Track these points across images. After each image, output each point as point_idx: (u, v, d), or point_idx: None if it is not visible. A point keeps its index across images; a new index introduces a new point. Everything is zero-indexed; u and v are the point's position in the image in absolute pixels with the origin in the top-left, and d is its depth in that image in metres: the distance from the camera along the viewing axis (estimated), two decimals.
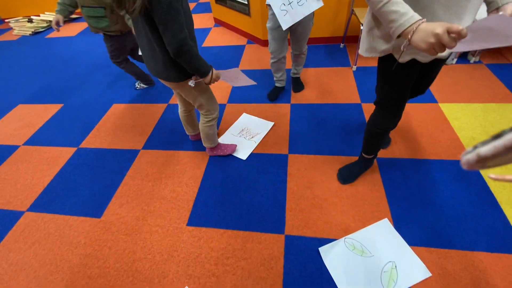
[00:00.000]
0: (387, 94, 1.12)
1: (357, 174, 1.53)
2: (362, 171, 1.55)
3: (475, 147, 0.31)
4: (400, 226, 1.32)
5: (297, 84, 2.26)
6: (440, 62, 1.08)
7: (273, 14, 1.68)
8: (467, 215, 1.33)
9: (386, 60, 1.00)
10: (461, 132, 1.73)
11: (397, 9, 0.72)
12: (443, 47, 0.65)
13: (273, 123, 1.96)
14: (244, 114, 2.09)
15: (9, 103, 2.62)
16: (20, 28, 4.26)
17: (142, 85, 2.55)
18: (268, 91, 2.29)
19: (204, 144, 1.71)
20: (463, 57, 2.38)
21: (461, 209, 1.36)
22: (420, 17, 0.71)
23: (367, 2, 0.79)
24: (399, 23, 0.71)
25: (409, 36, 0.70)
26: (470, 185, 1.45)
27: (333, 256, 1.24)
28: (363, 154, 1.48)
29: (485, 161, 0.30)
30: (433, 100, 2.00)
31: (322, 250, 1.26)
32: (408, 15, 0.70)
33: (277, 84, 2.21)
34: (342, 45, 2.79)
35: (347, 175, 1.53)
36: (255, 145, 1.82)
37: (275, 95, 2.19)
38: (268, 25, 1.77)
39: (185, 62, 1.11)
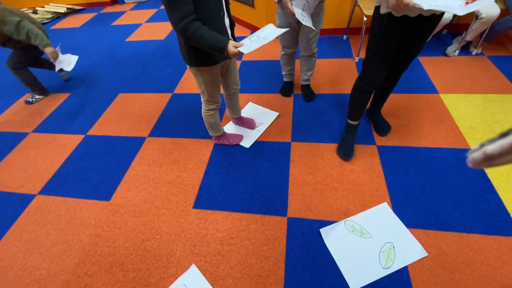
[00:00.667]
0: (375, 47, 1.25)
1: (353, 144, 1.66)
2: (354, 139, 1.67)
3: (482, 145, 0.31)
4: (398, 209, 1.37)
5: (309, 93, 2.08)
6: (430, 21, 1.17)
7: (282, 12, 1.62)
8: (464, 200, 1.38)
9: (376, 15, 1.17)
10: (461, 122, 1.77)
11: None
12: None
13: (277, 113, 2.00)
14: (250, 103, 2.13)
15: (18, 92, 2.67)
16: None
17: (36, 96, 2.49)
18: (272, 82, 2.32)
19: (209, 133, 1.76)
20: (465, 49, 2.40)
21: (458, 194, 1.40)
22: None
23: None
24: None
25: None
26: (467, 171, 1.49)
27: (333, 237, 1.29)
28: (348, 121, 1.63)
29: (492, 159, 0.30)
30: (434, 90, 2.03)
31: (323, 231, 1.31)
32: None
33: (286, 79, 2.14)
34: (345, 36, 2.80)
35: (346, 150, 1.63)
36: (259, 134, 1.86)
37: (288, 90, 2.13)
38: (277, 22, 1.70)
39: (196, 44, 1.12)
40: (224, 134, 1.80)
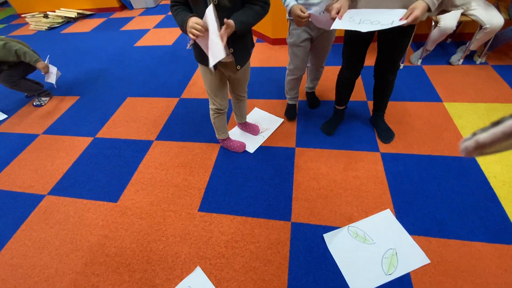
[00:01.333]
0: (345, 50, 1.53)
1: (336, 125, 1.89)
2: (339, 122, 1.91)
3: (474, 134, 0.32)
4: (401, 216, 1.38)
5: (314, 100, 2.10)
6: (396, 34, 1.33)
7: (296, 28, 1.52)
8: (467, 208, 1.39)
9: None
10: (464, 130, 1.78)
11: None
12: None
13: (282, 119, 2.03)
14: (255, 108, 2.17)
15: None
16: (36, 23, 4.40)
17: (42, 98, 2.57)
18: (277, 88, 2.36)
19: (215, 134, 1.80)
20: (469, 58, 2.42)
21: (461, 202, 1.41)
22: None
23: None
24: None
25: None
26: (470, 180, 1.51)
27: (336, 242, 1.31)
28: (336, 106, 1.88)
29: (484, 147, 0.30)
30: (438, 99, 2.05)
31: (327, 236, 1.33)
32: None
33: (290, 102, 2.01)
34: None
35: (329, 129, 1.88)
36: (263, 140, 1.89)
37: (294, 113, 2.02)
38: (290, 40, 1.59)
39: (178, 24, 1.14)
40: (228, 139, 1.84)
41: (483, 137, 0.30)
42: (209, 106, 1.61)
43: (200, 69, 1.41)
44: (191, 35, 1.06)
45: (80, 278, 1.32)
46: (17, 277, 1.36)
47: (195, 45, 1.25)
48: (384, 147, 1.74)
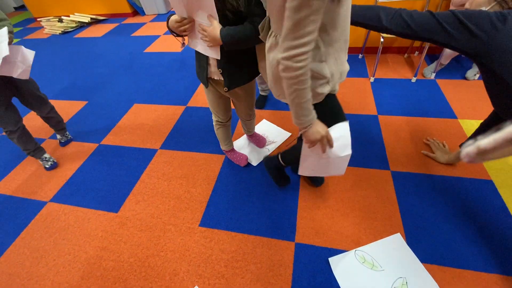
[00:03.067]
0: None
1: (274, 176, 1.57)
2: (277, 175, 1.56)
3: (476, 140, 0.32)
4: (412, 242, 1.30)
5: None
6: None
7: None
8: (484, 235, 1.30)
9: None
10: None
11: (310, 108, 0.87)
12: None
13: (290, 134, 1.97)
14: (264, 120, 2.12)
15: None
16: (50, 27, 4.50)
17: (66, 135, 2.14)
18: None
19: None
20: None
21: (477, 229, 1.33)
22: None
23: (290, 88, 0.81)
24: (308, 118, 0.88)
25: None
26: (488, 205, 1.42)
27: (342, 267, 1.24)
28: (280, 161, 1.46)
29: (485, 153, 0.31)
30: (452, 115, 1.97)
31: (332, 260, 1.26)
32: (313, 113, 0.89)
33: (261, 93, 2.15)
34: (360, 55, 2.79)
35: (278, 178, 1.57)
36: (268, 153, 1.84)
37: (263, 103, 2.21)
38: None
39: None
40: (232, 151, 1.79)
41: (484, 143, 0.30)
42: (212, 117, 1.57)
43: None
44: (175, 31, 1.08)
45: None
46: (13, 287, 1.33)
47: (196, 58, 1.24)
48: (394, 166, 1.66)
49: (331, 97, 1.00)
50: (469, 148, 0.32)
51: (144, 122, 2.27)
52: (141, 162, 1.91)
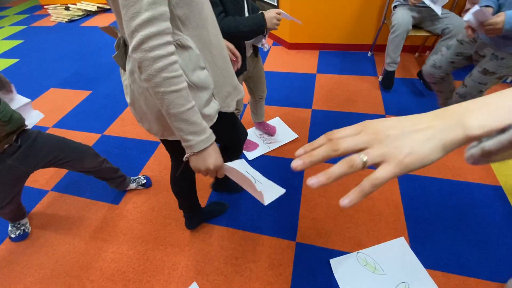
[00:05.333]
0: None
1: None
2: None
3: (480, 141, 0.30)
4: (416, 246, 1.28)
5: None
6: None
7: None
8: (491, 243, 1.27)
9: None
10: None
11: (199, 121, 0.64)
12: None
13: (297, 136, 1.90)
14: (277, 118, 2.06)
15: (42, 86, 2.76)
16: (57, 15, 4.48)
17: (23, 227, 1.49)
18: (301, 96, 2.27)
19: None
20: None
21: (484, 236, 1.29)
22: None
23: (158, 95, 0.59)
24: (201, 138, 0.65)
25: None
26: (496, 212, 1.38)
27: (343, 269, 1.21)
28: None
29: (490, 155, 0.30)
30: None
31: (333, 262, 1.24)
32: (208, 132, 0.67)
33: (389, 68, 2.13)
34: (370, 53, 2.72)
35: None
36: (267, 150, 1.81)
37: (391, 82, 2.16)
38: (395, 21, 1.98)
39: None
40: None
41: (489, 145, 0.28)
42: None
43: None
44: (276, 27, 1.07)
45: (74, 282, 1.29)
46: (13, 275, 1.33)
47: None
48: None
49: (224, 117, 0.82)
50: (473, 150, 0.30)
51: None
52: (143, 154, 1.89)
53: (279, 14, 1.08)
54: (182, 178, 1.13)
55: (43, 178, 1.80)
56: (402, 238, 1.30)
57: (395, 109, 2.05)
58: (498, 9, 1.17)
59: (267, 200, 0.70)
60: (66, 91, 2.66)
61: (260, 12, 1.08)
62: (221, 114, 0.81)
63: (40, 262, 1.37)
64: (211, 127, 0.71)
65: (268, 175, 1.66)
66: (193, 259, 1.32)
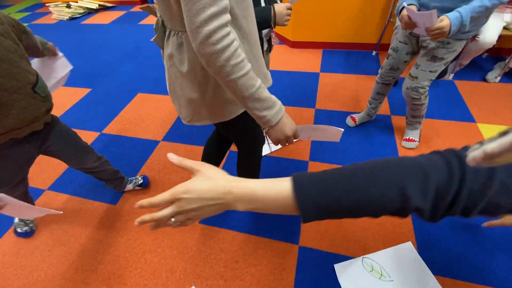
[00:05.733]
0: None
1: None
2: None
3: (482, 144, 0.30)
4: (424, 252, 1.22)
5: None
6: None
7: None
8: (503, 249, 1.21)
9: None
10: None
11: (269, 96, 0.69)
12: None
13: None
14: None
15: None
16: (58, 12, 4.45)
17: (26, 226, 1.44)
18: (304, 95, 2.21)
19: None
20: (508, 75, 2.20)
21: (496, 243, 1.24)
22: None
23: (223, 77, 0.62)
24: (274, 111, 0.69)
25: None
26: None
27: (348, 275, 1.17)
28: None
29: (492, 158, 0.30)
30: (471, 119, 1.86)
31: (338, 267, 1.19)
32: (278, 103, 0.71)
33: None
34: (374, 52, 2.67)
35: None
36: (269, 151, 1.76)
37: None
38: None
39: None
40: None
41: (490, 147, 0.29)
42: None
43: None
44: (286, 23, 1.03)
45: (69, 285, 1.24)
46: (6, 277, 1.29)
47: None
48: None
49: None
50: (475, 152, 0.30)
51: (147, 112, 2.21)
52: (142, 153, 1.85)
53: (289, 9, 1.03)
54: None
55: (40, 177, 1.76)
56: (410, 243, 1.25)
57: (400, 109, 2.00)
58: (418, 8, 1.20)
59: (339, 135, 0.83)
60: (66, 88, 2.62)
61: (270, 4, 1.03)
62: None
63: (34, 264, 1.33)
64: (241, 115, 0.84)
65: (269, 176, 1.61)
66: (192, 262, 1.27)
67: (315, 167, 1.64)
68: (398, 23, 1.43)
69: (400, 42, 1.43)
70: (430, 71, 1.35)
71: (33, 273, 1.30)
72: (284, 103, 2.22)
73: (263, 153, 1.74)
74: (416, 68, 1.39)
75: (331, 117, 1.99)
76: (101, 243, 1.38)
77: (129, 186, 1.59)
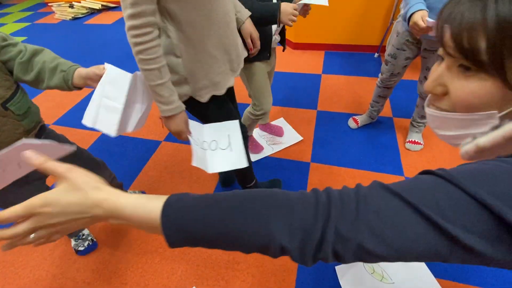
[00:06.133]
0: None
1: None
2: None
3: (474, 138, 0.31)
4: None
5: None
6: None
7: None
8: None
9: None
10: None
11: (167, 95, 0.82)
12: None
13: (301, 138, 1.85)
14: (281, 118, 2.02)
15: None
16: (61, 12, 4.47)
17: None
18: (305, 96, 2.21)
19: None
20: None
21: None
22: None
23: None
24: (167, 107, 0.84)
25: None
26: None
27: (350, 277, 1.16)
28: None
29: (484, 151, 0.30)
30: None
31: (339, 268, 1.19)
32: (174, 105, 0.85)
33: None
34: (376, 54, 2.67)
35: None
36: (271, 152, 1.76)
37: None
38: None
39: None
40: (251, 138, 1.73)
41: (483, 141, 0.30)
42: (251, 113, 1.43)
43: (247, 71, 1.27)
44: (290, 22, 1.04)
45: (70, 285, 1.24)
46: (7, 276, 1.29)
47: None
48: (409, 172, 1.57)
49: (209, 104, 0.97)
50: (468, 146, 0.31)
51: (149, 112, 2.20)
52: (144, 153, 1.85)
53: (296, 9, 1.04)
54: None
55: None
56: None
57: (402, 112, 2.00)
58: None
59: (198, 163, 0.95)
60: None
61: (278, 1, 1.04)
62: (212, 98, 0.96)
63: (36, 263, 1.33)
64: (204, 107, 0.95)
65: (271, 177, 1.61)
66: (193, 263, 1.27)
67: (317, 168, 1.64)
68: (397, 29, 1.38)
69: (397, 49, 1.40)
70: None
71: (34, 272, 1.30)
72: (285, 105, 2.22)
73: (266, 155, 1.74)
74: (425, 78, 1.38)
75: (333, 118, 1.99)
76: (102, 243, 1.38)
77: None
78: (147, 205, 0.37)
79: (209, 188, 1.58)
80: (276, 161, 1.71)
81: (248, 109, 1.47)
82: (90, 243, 1.33)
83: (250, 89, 1.35)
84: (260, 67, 1.27)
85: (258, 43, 1.05)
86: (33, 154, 0.37)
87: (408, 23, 1.14)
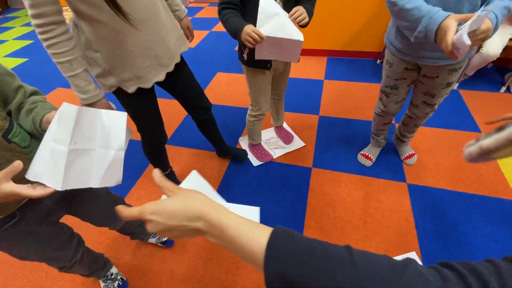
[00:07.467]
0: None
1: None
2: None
3: (478, 140, 0.33)
4: (429, 262, 1.21)
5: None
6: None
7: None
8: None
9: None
10: (506, 168, 1.58)
11: (82, 85, 0.90)
12: None
13: (303, 144, 1.85)
14: (284, 123, 2.02)
15: (49, 86, 2.77)
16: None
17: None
18: (308, 101, 2.23)
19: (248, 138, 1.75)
20: None
21: (500, 255, 1.21)
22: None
23: None
24: (83, 97, 0.91)
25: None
26: None
27: None
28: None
29: (488, 153, 0.31)
30: (476, 129, 1.85)
31: None
32: (90, 94, 0.92)
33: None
34: (378, 61, 2.68)
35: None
36: (273, 157, 1.76)
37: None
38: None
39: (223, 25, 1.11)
40: (259, 146, 1.75)
41: (486, 143, 0.30)
42: (249, 114, 1.55)
43: (249, 74, 1.34)
44: (247, 43, 1.02)
45: (69, 287, 1.24)
46: (6, 276, 1.29)
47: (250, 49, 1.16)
48: (411, 178, 1.56)
49: (138, 96, 1.07)
50: (471, 148, 0.33)
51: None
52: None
53: (256, 33, 0.98)
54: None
55: None
56: (413, 253, 1.23)
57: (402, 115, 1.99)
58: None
59: None
60: (70, 90, 2.64)
61: (242, 25, 1.02)
62: (140, 91, 1.06)
63: (35, 264, 1.32)
64: (132, 98, 1.08)
65: (276, 182, 1.61)
66: (193, 267, 1.26)
67: (318, 173, 1.63)
68: (387, 58, 1.29)
69: (396, 79, 1.30)
70: (446, 93, 1.29)
71: (34, 273, 1.29)
72: (287, 109, 2.21)
73: (256, 163, 1.73)
74: (432, 97, 1.30)
75: (335, 124, 1.99)
76: (102, 245, 1.38)
77: (152, 240, 1.36)
78: (250, 235, 0.35)
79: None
80: (278, 166, 1.71)
81: (248, 111, 1.56)
82: (120, 283, 1.21)
83: (250, 90, 1.43)
84: (261, 74, 1.31)
85: (193, 33, 1.30)
86: (158, 173, 0.43)
87: (435, 38, 0.87)
